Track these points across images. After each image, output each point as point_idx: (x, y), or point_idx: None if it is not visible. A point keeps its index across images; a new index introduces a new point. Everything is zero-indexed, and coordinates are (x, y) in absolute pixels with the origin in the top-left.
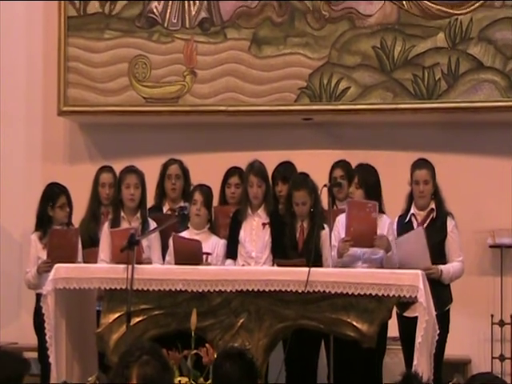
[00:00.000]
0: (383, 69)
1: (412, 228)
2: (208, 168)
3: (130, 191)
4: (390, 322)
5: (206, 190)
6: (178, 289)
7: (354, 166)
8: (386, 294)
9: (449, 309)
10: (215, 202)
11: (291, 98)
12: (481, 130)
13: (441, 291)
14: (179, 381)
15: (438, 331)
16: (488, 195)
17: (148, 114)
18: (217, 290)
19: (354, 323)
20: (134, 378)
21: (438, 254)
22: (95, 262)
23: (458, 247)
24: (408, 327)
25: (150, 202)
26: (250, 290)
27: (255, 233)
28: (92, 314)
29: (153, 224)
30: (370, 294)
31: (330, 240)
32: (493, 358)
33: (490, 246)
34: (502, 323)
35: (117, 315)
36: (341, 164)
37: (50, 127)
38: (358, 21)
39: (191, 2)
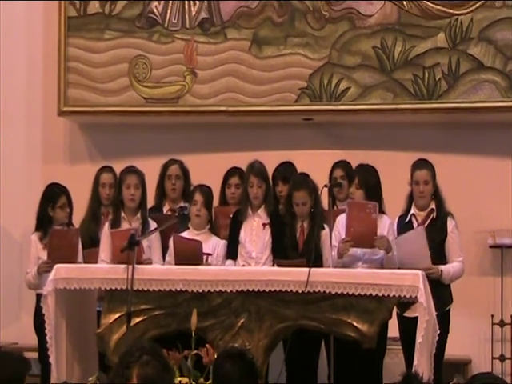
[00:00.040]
0: (383, 69)
1: (412, 228)
2: (208, 168)
3: (131, 191)
4: (390, 322)
5: (206, 191)
6: (179, 289)
7: (354, 166)
8: (386, 295)
9: (449, 309)
10: (215, 202)
11: (291, 98)
12: (481, 130)
13: (441, 291)
14: (179, 381)
15: (439, 331)
16: (488, 195)
17: (148, 115)
18: (217, 290)
19: (355, 323)
20: (134, 378)
21: (438, 254)
22: (95, 263)
23: (458, 247)
24: (408, 327)
25: (150, 202)
26: (251, 290)
27: (255, 233)
28: (92, 314)
29: (153, 224)
30: (371, 295)
31: (330, 240)
32: (493, 358)
33: (491, 247)
34: (502, 323)
35: (117, 315)
36: (341, 164)
37: (50, 127)
38: (358, 21)
39: (191, 2)
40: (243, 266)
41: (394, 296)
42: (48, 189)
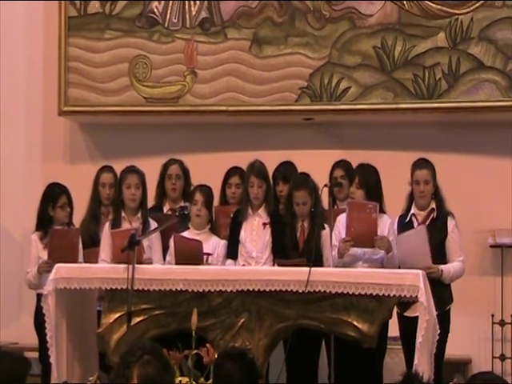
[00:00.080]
0: (384, 69)
1: (412, 228)
2: (208, 168)
3: (131, 191)
4: (390, 321)
5: (206, 191)
6: (179, 289)
7: (354, 165)
8: (386, 294)
9: (449, 308)
10: (216, 202)
11: (292, 97)
12: (481, 129)
13: (441, 291)
14: (180, 381)
15: (439, 331)
16: (488, 195)
17: (148, 114)
18: (217, 289)
19: (355, 323)
20: (134, 377)
21: (439, 253)
22: (96, 262)
23: (458, 247)
24: (408, 327)
25: (151, 202)
26: (251, 289)
27: (256, 233)
28: (93, 313)
29: (153, 224)
30: (371, 294)
31: (330, 240)
32: (493, 357)
33: (491, 246)
34: (502, 323)
35: (117, 315)
36: (341, 164)
37: (50, 127)
38: (358, 21)
39: (192, 1)
40: (243, 265)
41: (394, 295)
42: (48, 188)
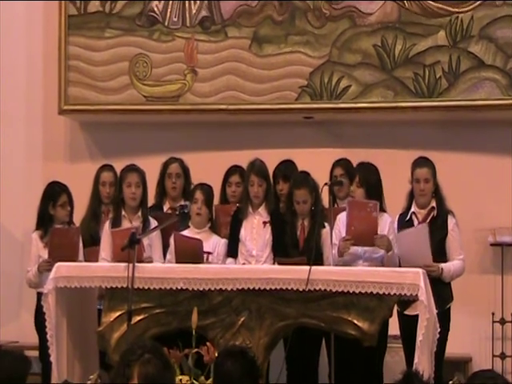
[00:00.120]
0: (384, 67)
1: (413, 226)
2: (209, 167)
3: (131, 190)
4: (390, 320)
5: (206, 189)
6: (179, 287)
7: (354, 164)
8: (386, 293)
9: (450, 307)
10: (216, 200)
11: (292, 96)
12: (481, 128)
13: (442, 289)
14: (180, 379)
15: (439, 329)
16: (489, 193)
17: (148, 113)
18: (218, 288)
19: (355, 321)
20: (135, 376)
21: (439, 252)
22: (96, 261)
23: (458, 245)
24: (409, 325)
25: (151, 200)
26: (251, 288)
27: (256, 231)
28: (93, 312)
29: (154, 223)
30: (371, 293)
31: (330, 238)
32: (494, 356)
33: (491, 245)
34: (502, 321)
35: (118, 314)
36: (341, 163)
37: (50, 126)
38: (358, 19)
39: (192, 0)
40: (244, 264)
41: (394, 294)
42: (49, 187)
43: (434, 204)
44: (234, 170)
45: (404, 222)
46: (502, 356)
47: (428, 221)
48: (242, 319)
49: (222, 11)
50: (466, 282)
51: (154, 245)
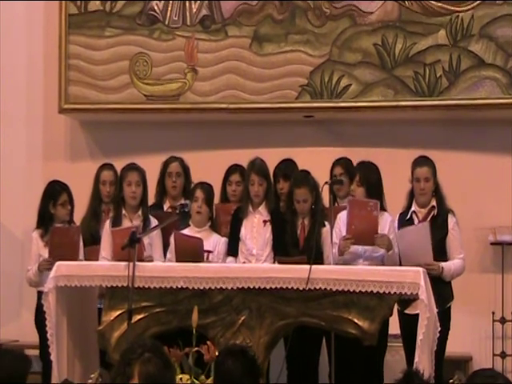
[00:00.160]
0: (384, 66)
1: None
2: (209, 166)
3: (132, 189)
4: (391, 319)
5: (207, 188)
6: (180, 286)
7: (355, 163)
8: (387, 292)
9: (450, 306)
10: (216, 199)
11: (292, 95)
12: (482, 127)
13: (442, 288)
14: (180, 378)
15: (439, 328)
16: (489, 192)
17: (149, 112)
18: (218, 287)
19: (356, 320)
20: (135, 375)
21: (439, 251)
22: (96, 260)
23: (459, 244)
24: (409, 324)
25: (151, 199)
26: (251, 287)
27: (256, 230)
28: (93, 311)
29: (154, 222)
30: (372, 292)
31: (331, 237)
32: (494, 355)
33: (491, 244)
34: (503, 320)
35: (118, 313)
36: (340, 162)
37: (50, 125)
38: (358, 18)
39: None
40: (244, 263)
41: (394, 293)
42: (49, 186)
43: (434, 203)
44: (234, 168)
45: (404, 221)
46: (503, 355)
47: (428, 220)
48: (243, 318)
49: (223, 10)
50: (467, 281)
51: (154, 244)
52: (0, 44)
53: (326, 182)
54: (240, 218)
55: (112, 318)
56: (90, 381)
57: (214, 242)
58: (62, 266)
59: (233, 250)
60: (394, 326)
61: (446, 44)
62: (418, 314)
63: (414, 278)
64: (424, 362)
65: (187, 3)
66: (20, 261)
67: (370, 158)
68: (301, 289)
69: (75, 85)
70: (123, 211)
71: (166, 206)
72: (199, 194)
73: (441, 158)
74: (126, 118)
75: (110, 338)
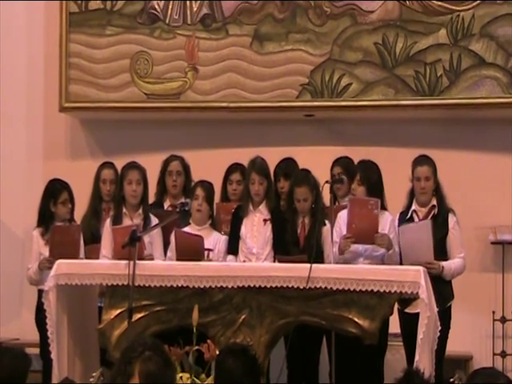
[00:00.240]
0: (385, 65)
1: None
2: (209, 164)
3: (132, 187)
4: (391, 318)
5: (207, 186)
6: (180, 285)
7: (355, 162)
8: (387, 291)
9: (450, 305)
10: (217, 198)
11: (293, 94)
12: (482, 126)
13: (442, 287)
14: (181, 377)
15: (440, 327)
16: (489, 192)
17: (149, 111)
18: (218, 286)
19: (356, 319)
20: (136, 373)
21: (440, 250)
22: (97, 258)
23: (459, 243)
24: (409, 323)
25: (151, 198)
26: (252, 286)
27: (256, 229)
28: (94, 310)
29: (155, 220)
30: (372, 291)
31: (331, 236)
32: (494, 354)
33: (492, 243)
34: (503, 320)
35: (118, 311)
36: (340, 161)
37: (51, 123)
38: (359, 17)
39: None
40: (244, 261)
41: (395, 292)
42: (50, 184)
43: (434, 202)
44: (234, 167)
45: (405, 221)
46: (503, 354)
47: (429, 219)
48: (243, 317)
49: (223, 9)
50: (467, 281)
51: (154, 242)
52: (0, 43)
53: (327, 181)
54: (240, 216)
55: (112, 317)
56: (91, 380)
57: (215, 240)
58: (62, 265)
59: (233, 248)
60: (395, 325)
61: (447, 43)
62: (418, 313)
63: (414, 277)
64: (424, 361)
65: (188, 2)
66: (20, 259)
67: (371, 157)
68: (301, 288)
69: (76, 83)
70: (124, 210)
71: (166, 205)
72: (199, 192)
73: (441, 157)
74: (126, 116)
75: (110, 337)
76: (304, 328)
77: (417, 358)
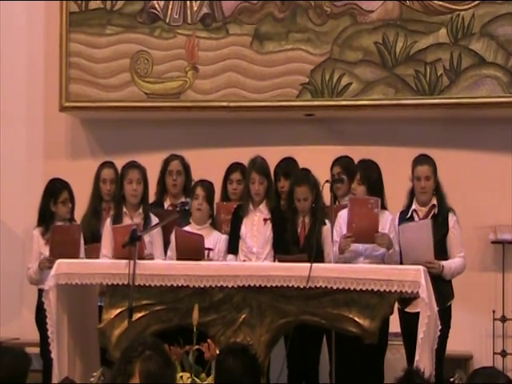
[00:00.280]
0: (385, 64)
1: None
2: (209, 164)
3: (133, 187)
4: (391, 317)
5: (207, 185)
6: (180, 284)
7: (355, 161)
8: (387, 290)
9: (450, 304)
10: (217, 198)
11: (293, 93)
12: (482, 125)
13: (442, 287)
14: (181, 376)
15: (440, 327)
16: (489, 191)
17: (150, 110)
18: (218, 285)
19: (356, 319)
20: (136, 373)
21: (440, 249)
22: (97, 258)
23: (459, 243)
24: (410, 323)
25: (151, 197)
26: (252, 285)
27: (256, 228)
28: (94, 309)
29: (155, 220)
30: (372, 290)
31: (331, 236)
32: (494, 353)
33: (492, 242)
34: (503, 319)
35: (119, 311)
36: (339, 161)
37: (51, 123)
38: (359, 16)
39: None
40: (244, 261)
41: (395, 291)
42: (50, 184)
43: (434, 201)
44: (234, 167)
45: (405, 220)
46: (503, 353)
47: (429, 218)
48: (243, 316)
49: (223, 8)
50: (467, 280)
51: (154, 242)
52: (0, 43)
53: (327, 181)
54: (240, 216)
55: (112, 316)
56: (92, 379)
57: (215, 240)
58: (62, 264)
59: (233, 247)
60: (395, 325)
61: (447, 42)
62: (418, 313)
63: (414, 277)
64: (424, 360)
65: (188, 1)
66: (21, 259)
67: (371, 157)
68: (301, 287)
69: (76, 83)
70: (124, 209)
71: (166, 204)
72: (200, 191)
73: (441, 157)
74: (126, 116)
75: (110, 336)
76: (304, 327)
77: (417, 357)
